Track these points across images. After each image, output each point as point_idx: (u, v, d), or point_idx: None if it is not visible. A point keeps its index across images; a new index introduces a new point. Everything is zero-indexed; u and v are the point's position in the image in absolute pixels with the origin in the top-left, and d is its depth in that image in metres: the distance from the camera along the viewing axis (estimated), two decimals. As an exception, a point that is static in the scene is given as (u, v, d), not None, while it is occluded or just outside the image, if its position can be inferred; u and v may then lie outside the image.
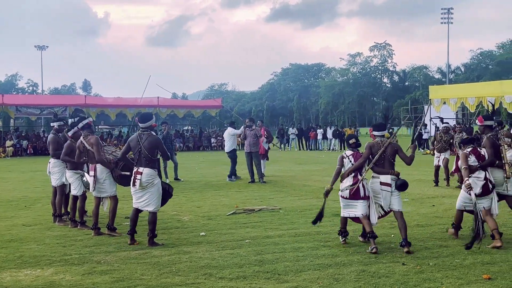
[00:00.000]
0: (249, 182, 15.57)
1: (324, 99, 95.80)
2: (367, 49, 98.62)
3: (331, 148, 34.56)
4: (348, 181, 7.56)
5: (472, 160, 7.69)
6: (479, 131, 8.71)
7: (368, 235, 7.28)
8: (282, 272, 6.21)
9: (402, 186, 7.38)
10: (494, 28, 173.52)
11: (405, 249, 7.01)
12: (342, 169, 7.76)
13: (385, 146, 7.43)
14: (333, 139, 34.73)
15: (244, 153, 16.00)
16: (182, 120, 49.38)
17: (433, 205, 10.93)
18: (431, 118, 32.18)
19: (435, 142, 14.62)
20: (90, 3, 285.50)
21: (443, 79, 77.11)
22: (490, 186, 7.59)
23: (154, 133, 8.08)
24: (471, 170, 7.59)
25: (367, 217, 7.46)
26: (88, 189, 8.74)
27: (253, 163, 15.68)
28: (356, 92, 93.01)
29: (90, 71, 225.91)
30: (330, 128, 36.12)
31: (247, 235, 8.29)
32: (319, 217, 7.88)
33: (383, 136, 7.64)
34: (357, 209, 7.49)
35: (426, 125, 32.77)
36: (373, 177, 7.57)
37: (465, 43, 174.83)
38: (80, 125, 8.79)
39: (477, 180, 7.55)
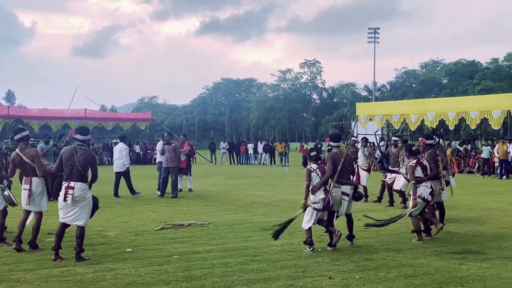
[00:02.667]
0: (158, 196, 15.59)
1: (255, 114, 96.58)
2: (297, 65, 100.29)
3: (262, 163, 34.84)
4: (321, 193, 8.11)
5: (419, 171, 8.87)
6: (421, 149, 9.78)
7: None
8: (210, 288, 6.14)
9: None
10: (417, 48, 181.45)
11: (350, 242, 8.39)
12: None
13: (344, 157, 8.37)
14: (264, 153, 35.00)
15: (162, 167, 16.03)
16: (110, 133, 48.22)
17: (359, 219, 11.14)
18: (358, 135, 33.14)
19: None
20: (17, 12, 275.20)
21: (370, 97, 79.53)
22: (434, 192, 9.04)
23: (90, 149, 7.86)
24: (419, 181, 8.82)
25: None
26: (10, 204, 8.38)
27: (170, 178, 15.75)
28: (286, 107, 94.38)
29: (15, 81, 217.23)
30: (261, 143, 36.42)
31: (175, 250, 8.16)
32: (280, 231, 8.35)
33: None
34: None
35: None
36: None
37: (391, 62, 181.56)
38: (18, 136, 8.37)
39: (426, 188, 8.84)
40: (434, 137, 10.10)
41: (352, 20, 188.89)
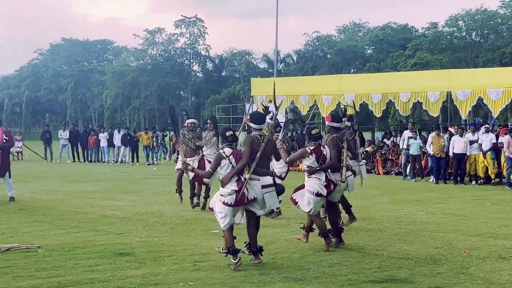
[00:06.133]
0: None
1: (111, 91, 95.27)
2: (171, 24, 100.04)
3: (120, 160, 34.29)
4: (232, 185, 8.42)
5: (312, 160, 9.72)
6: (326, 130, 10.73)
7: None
8: None
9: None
10: (334, 6, 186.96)
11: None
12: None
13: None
14: (123, 147, 34.43)
15: None
16: None
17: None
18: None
19: None
20: None
21: (271, 70, 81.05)
22: (333, 186, 9.87)
23: None
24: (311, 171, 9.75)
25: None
26: None
27: None
28: (156, 82, 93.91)
29: None
30: (119, 132, 35.71)
31: (-14, 287, 7.89)
32: None
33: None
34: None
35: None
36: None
37: (299, 23, 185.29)
38: None
39: (318, 182, 9.68)
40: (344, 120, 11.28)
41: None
